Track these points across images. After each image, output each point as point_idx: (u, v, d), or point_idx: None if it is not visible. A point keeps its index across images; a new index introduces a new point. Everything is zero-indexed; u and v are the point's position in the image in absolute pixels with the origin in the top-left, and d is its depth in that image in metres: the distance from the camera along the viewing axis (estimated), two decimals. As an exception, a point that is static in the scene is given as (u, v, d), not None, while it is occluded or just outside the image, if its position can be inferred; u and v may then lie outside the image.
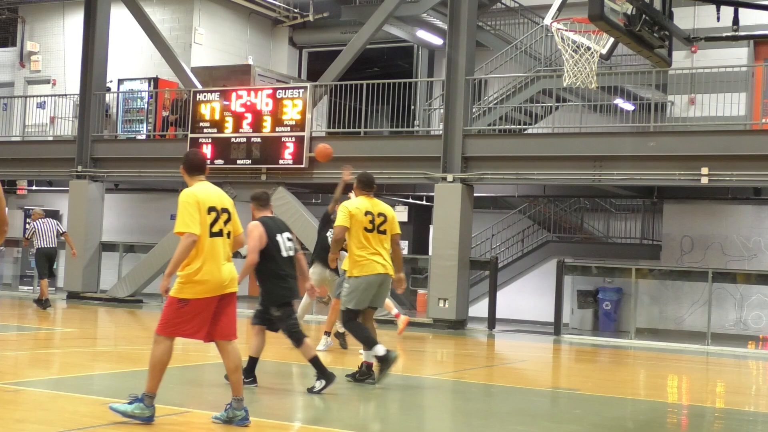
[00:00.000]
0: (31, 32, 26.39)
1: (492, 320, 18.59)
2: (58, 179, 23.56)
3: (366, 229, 9.64)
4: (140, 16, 21.74)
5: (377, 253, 9.72)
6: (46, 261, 18.76)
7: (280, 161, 19.32)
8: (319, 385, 8.89)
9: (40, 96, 24.45)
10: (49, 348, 13.03)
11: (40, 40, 26.19)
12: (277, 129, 19.38)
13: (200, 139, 20.11)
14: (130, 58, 24.23)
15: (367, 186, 9.90)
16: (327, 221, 12.74)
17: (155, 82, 23.13)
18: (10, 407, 7.84)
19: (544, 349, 16.46)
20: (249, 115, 19.67)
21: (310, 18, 25.42)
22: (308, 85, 19.78)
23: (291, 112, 19.29)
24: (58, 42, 25.59)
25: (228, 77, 21.61)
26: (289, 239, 9.13)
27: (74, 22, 24.54)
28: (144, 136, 22.80)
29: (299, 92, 19.44)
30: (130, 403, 7.16)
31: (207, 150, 19.98)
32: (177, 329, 7.17)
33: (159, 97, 22.74)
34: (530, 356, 15.43)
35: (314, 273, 12.40)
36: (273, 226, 9.04)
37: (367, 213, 9.67)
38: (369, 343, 9.67)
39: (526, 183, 18.90)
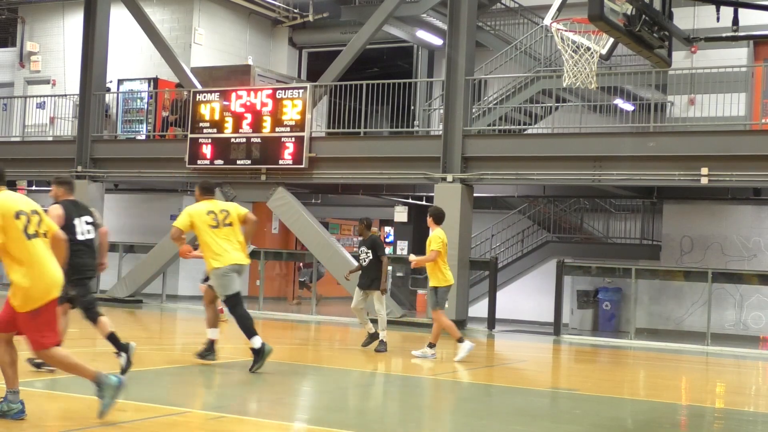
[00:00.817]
0: (31, 32, 26.39)
1: (492, 320, 18.59)
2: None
3: (212, 227, 10.52)
4: (140, 16, 21.73)
5: (229, 247, 10.54)
6: None
7: (280, 161, 19.32)
8: (122, 360, 9.42)
9: (40, 96, 24.44)
10: (49, 348, 13.00)
11: (39, 41, 26.19)
12: (277, 129, 19.37)
13: (200, 140, 20.10)
14: (130, 59, 24.24)
15: (208, 192, 10.91)
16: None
17: (155, 82, 23.12)
18: (9, 407, 7.83)
19: (544, 349, 16.47)
20: (249, 116, 19.66)
21: (310, 18, 25.42)
22: (308, 85, 19.78)
23: (291, 112, 19.29)
24: (58, 42, 25.59)
25: (228, 77, 21.60)
26: (88, 222, 9.79)
27: (74, 22, 24.55)
28: (144, 137, 22.79)
29: (299, 92, 19.44)
30: None
31: (207, 150, 19.97)
32: (49, 336, 7.07)
33: (159, 98, 22.73)
34: (530, 356, 15.44)
35: (357, 294, 13.39)
36: (73, 210, 9.58)
37: (209, 212, 10.58)
38: (250, 333, 10.48)
39: (526, 183, 18.88)
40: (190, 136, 20.25)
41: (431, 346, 12.71)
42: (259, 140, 19.51)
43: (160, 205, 24.28)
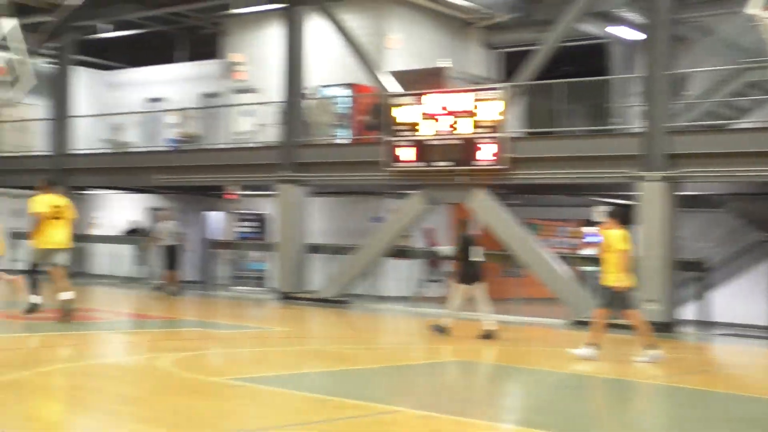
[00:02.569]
0: (236, 44, 27.54)
1: (703, 324, 17.87)
2: (265, 184, 24.43)
3: (52, 217, 14.25)
4: (336, 23, 22.29)
5: (55, 233, 14.26)
6: None
7: (478, 162, 19.34)
8: None
9: (245, 104, 25.47)
10: (265, 346, 13.65)
11: (244, 51, 27.25)
12: (474, 130, 19.44)
13: (397, 143, 20.42)
14: (329, 65, 24.87)
15: (51, 186, 14.78)
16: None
17: (352, 87, 23.66)
18: (233, 401, 8.32)
19: (763, 354, 15.74)
20: (445, 118, 19.83)
21: (502, 18, 25.31)
22: (505, 85, 19.75)
23: (487, 112, 19.32)
24: (261, 52, 26.58)
25: (422, 80, 21.82)
26: None
27: (275, 32, 25.42)
28: (343, 141, 23.36)
29: (496, 93, 19.45)
30: None
31: (404, 153, 20.26)
32: None
33: (356, 103, 23.24)
34: (747, 361, 14.78)
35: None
36: None
37: (52, 205, 14.35)
38: (33, 290, 14.37)
39: (735, 180, 17.96)
40: (387, 139, 20.63)
41: (594, 346, 12.37)
42: (456, 142, 19.64)
43: (360, 207, 24.79)
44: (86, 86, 30.34)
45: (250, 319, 18.30)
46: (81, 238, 27.46)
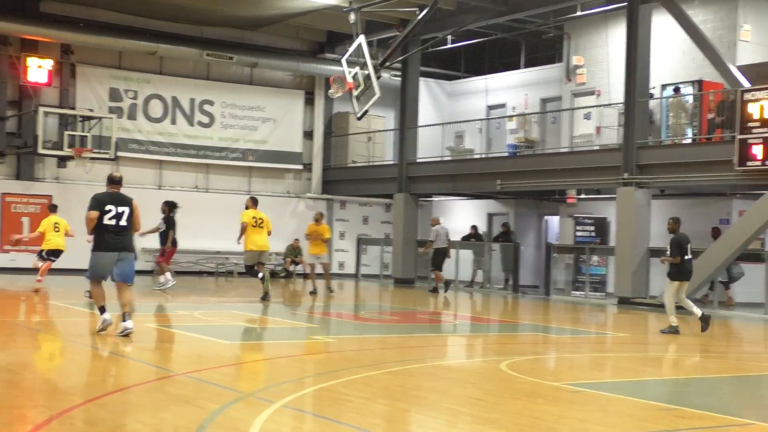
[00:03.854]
0: (576, 47, 27.28)
1: None
2: (605, 187, 24.00)
3: (252, 225, 17.98)
4: (682, 19, 21.42)
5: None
6: None
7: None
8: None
9: (586, 107, 25.16)
10: (603, 352, 13.36)
11: (584, 54, 26.96)
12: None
13: (749, 140, 19.23)
14: (673, 63, 23.98)
15: (254, 203, 18.61)
16: None
17: (699, 84, 22.63)
18: (572, 407, 8.18)
19: None
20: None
21: None
22: None
23: None
24: (602, 54, 26.15)
25: (777, 73, 20.45)
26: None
27: (617, 32, 24.91)
28: (689, 140, 22.40)
29: None
30: None
31: (757, 150, 19.04)
32: None
33: (703, 100, 22.19)
34: None
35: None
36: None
37: (254, 217, 18.06)
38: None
39: None
40: (738, 137, 19.48)
41: None
42: (815, 137, 18.12)
43: (705, 210, 23.65)
44: (428, 96, 31.46)
45: (587, 324, 18.00)
46: (420, 243, 28.62)
